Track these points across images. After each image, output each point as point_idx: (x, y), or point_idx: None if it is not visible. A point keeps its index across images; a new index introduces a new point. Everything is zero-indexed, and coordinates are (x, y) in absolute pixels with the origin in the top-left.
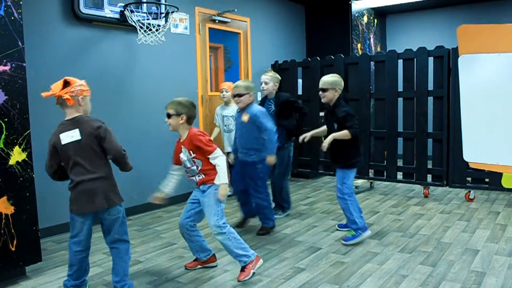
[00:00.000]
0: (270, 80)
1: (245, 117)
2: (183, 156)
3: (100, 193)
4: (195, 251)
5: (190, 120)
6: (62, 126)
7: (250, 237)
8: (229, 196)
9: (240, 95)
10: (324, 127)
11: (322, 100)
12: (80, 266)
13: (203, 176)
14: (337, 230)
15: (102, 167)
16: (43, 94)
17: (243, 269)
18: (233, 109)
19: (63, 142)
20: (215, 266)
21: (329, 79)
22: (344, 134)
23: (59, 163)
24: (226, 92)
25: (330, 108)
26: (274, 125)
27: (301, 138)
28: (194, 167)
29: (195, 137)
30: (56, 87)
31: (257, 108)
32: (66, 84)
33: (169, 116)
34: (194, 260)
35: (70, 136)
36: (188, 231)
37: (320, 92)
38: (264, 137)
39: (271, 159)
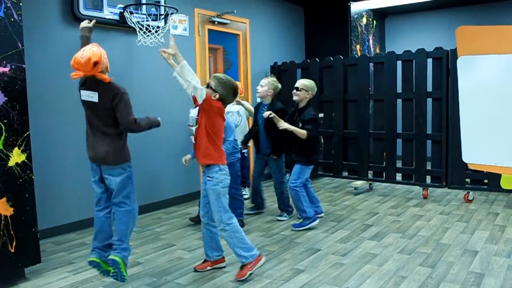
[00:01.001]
0: (265, 84)
1: (266, 113)
2: (193, 113)
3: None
4: (209, 248)
5: (223, 102)
6: (85, 83)
7: (253, 237)
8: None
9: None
10: None
11: (294, 98)
12: (99, 228)
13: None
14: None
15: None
16: (73, 76)
17: (241, 268)
18: (237, 105)
19: (82, 97)
20: (224, 267)
21: (305, 82)
22: (302, 133)
23: None
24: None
25: (298, 109)
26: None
27: (266, 114)
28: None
29: (208, 101)
30: (84, 67)
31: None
32: (95, 64)
33: (207, 86)
34: (204, 262)
35: (90, 96)
36: (209, 226)
37: (294, 91)
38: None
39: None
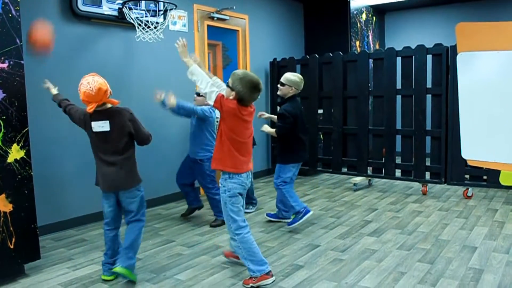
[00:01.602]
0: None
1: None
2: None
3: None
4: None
5: (240, 101)
6: (95, 115)
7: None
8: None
9: (199, 94)
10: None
11: (278, 93)
12: (110, 245)
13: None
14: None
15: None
16: (89, 110)
17: (250, 277)
18: None
19: (94, 129)
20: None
21: (290, 77)
22: (272, 132)
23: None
24: None
25: (282, 102)
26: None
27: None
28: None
29: (218, 102)
30: (95, 98)
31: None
32: (105, 92)
33: (227, 85)
34: (233, 252)
35: (101, 127)
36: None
37: (278, 85)
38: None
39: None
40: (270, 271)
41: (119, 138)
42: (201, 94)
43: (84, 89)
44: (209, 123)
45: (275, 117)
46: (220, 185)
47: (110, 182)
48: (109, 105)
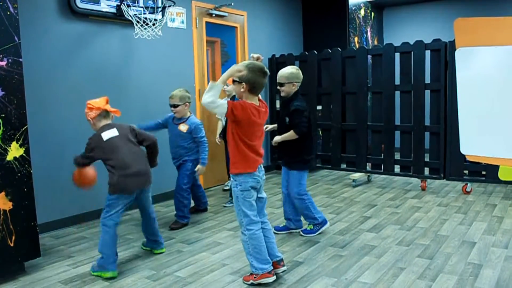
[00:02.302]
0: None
1: (183, 127)
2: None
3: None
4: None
5: (252, 90)
6: (101, 129)
7: None
8: None
9: (175, 106)
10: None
11: (281, 94)
12: (116, 241)
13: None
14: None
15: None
16: (91, 115)
17: (250, 273)
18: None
19: (105, 138)
20: (281, 271)
21: (286, 72)
22: (290, 135)
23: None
24: (227, 85)
25: (285, 100)
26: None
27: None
28: None
29: (230, 114)
30: (99, 103)
31: (197, 121)
32: (107, 101)
33: (233, 81)
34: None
35: (111, 134)
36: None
37: (278, 87)
38: (200, 148)
39: (203, 169)
40: (272, 269)
41: (129, 141)
42: (178, 105)
43: (89, 101)
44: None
45: (282, 136)
46: (231, 179)
47: (142, 176)
48: (110, 122)
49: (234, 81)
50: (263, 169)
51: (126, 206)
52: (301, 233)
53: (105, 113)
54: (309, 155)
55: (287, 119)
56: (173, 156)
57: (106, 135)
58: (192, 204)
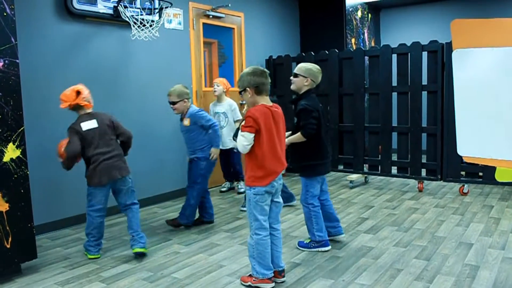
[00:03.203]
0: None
1: (185, 121)
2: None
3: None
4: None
5: (257, 91)
6: (81, 118)
7: (246, 232)
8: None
9: (174, 103)
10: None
11: (291, 87)
12: (99, 229)
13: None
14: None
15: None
16: (62, 106)
17: (249, 275)
18: (223, 105)
19: (83, 129)
20: (280, 282)
21: (305, 66)
22: (298, 137)
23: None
24: (218, 86)
25: (295, 99)
26: (215, 120)
27: None
28: None
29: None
30: (69, 97)
31: (195, 109)
32: (78, 93)
33: (239, 92)
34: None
35: (90, 125)
36: (270, 235)
37: (292, 77)
38: (209, 132)
39: (216, 151)
40: (272, 277)
41: (108, 132)
42: (176, 102)
43: (61, 96)
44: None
45: (289, 138)
46: (245, 180)
47: (115, 170)
48: (89, 110)
49: (240, 93)
50: (280, 174)
51: (105, 196)
52: (298, 244)
53: (77, 106)
54: (317, 159)
55: (295, 120)
56: (188, 152)
57: (86, 125)
58: (197, 216)
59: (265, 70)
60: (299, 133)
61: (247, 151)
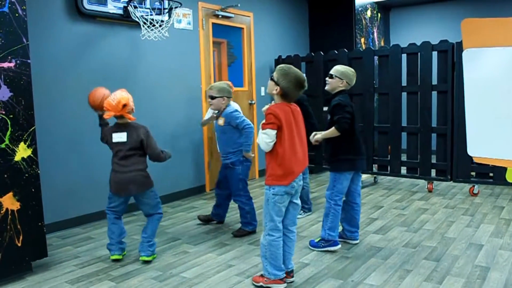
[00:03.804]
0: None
1: (220, 121)
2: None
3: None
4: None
5: (284, 97)
6: (115, 127)
7: (258, 230)
8: None
9: (212, 98)
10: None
11: (326, 88)
12: (113, 229)
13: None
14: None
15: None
16: (106, 116)
17: (261, 275)
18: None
19: (113, 140)
20: (290, 282)
21: (341, 68)
22: (332, 132)
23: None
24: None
25: (328, 98)
26: (249, 122)
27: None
28: None
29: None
30: (114, 108)
31: (230, 109)
32: (124, 106)
33: (271, 78)
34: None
35: (120, 138)
36: (284, 236)
37: (327, 78)
38: (242, 135)
39: (247, 154)
40: (284, 277)
41: (133, 150)
42: (215, 97)
43: (108, 98)
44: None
45: (322, 133)
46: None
47: (121, 187)
48: (128, 121)
49: (271, 78)
50: (301, 175)
51: (122, 203)
52: (309, 244)
53: (120, 116)
54: (348, 154)
55: (329, 116)
56: (221, 153)
57: (116, 137)
58: (208, 212)
59: (306, 86)
60: (333, 128)
61: (270, 149)
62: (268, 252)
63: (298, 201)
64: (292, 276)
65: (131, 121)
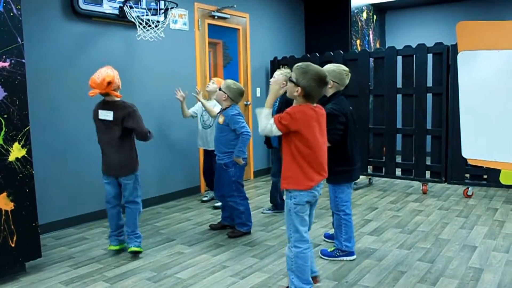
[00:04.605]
0: (277, 76)
1: (220, 119)
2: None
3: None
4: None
5: (307, 97)
6: (102, 104)
7: (252, 232)
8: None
9: (220, 89)
10: None
11: None
12: (111, 221)
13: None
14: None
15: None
16: (90, 94)
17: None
18: (212, 104)
19: (99, 117)
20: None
21: (331, 67)
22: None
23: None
24: (213, 83)
25: (323, 101)
26: (248, 129)
27: None
28: None
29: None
30: (99, 86)
31: (233, 111)
32: (109, 83)
33: (289, 79)
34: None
35: (106, 116)
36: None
37: None
38: (239, 141)
39: (237, 160)
40: None
41: (119, 127)
42: (221, 90)
43: (93, 75)
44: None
45: None
46: (285, 190)
47: (108, 168)
48: (116, 98)
49: (290, 80)
50: (321, 183)
51: (113, 187)
52: (320, 253)
53: (106, 94)
54: (343, 165)
55: None
56: (216, 151)
57: (102, 114)
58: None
59: (328, 81)
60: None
61: (265, 133)
62: (295, 265)
63: (313, 208)
64: (318, 281)
65: (118, 100)
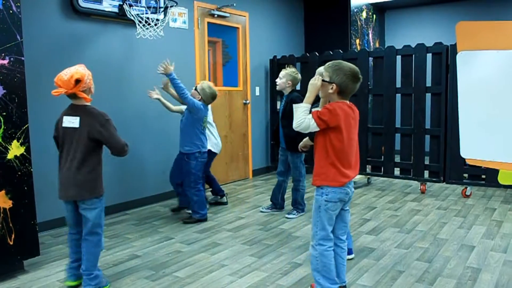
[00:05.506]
0: (283, 76)
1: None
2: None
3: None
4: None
5: (342, 94)
6: (68, 109)
7: (251, 231)
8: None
9: (195, 89)
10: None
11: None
12: (70, 248)
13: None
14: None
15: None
16: (54, 93)
17: (311, 285)
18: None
19: (63, 124)
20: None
21: (321, 68)
22: (308, 142)
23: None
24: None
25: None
26: (192, 99)
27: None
28: None
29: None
30: (65, 84)
31: (195, 100)
32: (77, 82)
33: (323, 80)
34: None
35: (71, 123)
36: (335, 247)
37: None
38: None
39: (164, 81)
40: None
41: (86, 139)
42: (197, 89)
43: (61, 72)
44: (198, 119)
45: None
46: (316, 187)
47: (64, 189)
48: (85, 103)
49: (323, 81)
50: (352, 181)
51: (70, 211)
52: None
53: (74, 95)
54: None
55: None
56: (180, 143)
57: (67, 120)
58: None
59: (361, 77)
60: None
61: (300, 129)
62: (320, 264)
63: (349, 208)
64: None
65: (88, 104)
